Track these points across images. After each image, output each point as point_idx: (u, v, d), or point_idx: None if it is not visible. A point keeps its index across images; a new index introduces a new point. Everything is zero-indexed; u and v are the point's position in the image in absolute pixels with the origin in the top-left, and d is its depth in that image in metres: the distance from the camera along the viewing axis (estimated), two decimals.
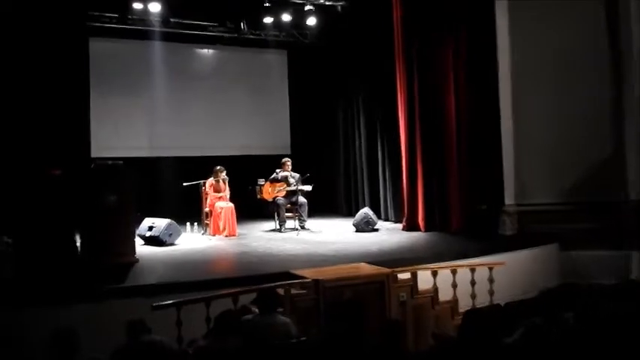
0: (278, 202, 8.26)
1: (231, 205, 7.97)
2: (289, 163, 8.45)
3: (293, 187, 8.23)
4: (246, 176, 9.34)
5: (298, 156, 9.94)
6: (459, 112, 7.54)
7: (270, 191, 8.38)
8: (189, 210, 8.72)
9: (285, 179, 8.34)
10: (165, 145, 10.16)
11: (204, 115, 10.40)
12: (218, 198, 8.03)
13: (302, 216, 8.23)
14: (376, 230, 8.05)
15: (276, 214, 8.33)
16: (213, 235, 7.82)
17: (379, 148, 9.20)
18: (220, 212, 7.84)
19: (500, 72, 7.06)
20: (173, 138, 10.18)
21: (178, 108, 10.18)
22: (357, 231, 8.01)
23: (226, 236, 7.73)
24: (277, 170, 8.42)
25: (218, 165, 8.20)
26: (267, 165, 8.89)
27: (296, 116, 11.12)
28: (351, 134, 10.18)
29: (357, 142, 9.97)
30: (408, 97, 7.91)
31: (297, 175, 8.37)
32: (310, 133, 11.05)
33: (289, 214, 8.41)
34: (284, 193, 8.34)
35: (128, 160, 7.40)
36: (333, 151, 10.78)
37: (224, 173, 8.13)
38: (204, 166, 8.54)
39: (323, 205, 10.31)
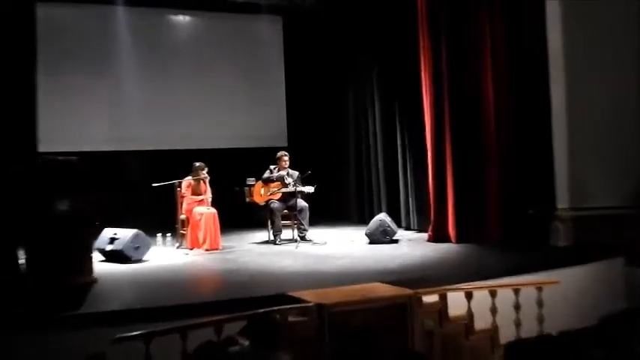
0: (272, 206, 8.27)
1: (214, 210, 7.96)
2: (286, 159, 8.45)
3: (291, 189, 8.24)
4: (233, 175, 9.42)
5: (297, 149, 9.99)
6: (498, 96, 7.57)
7: (262, 193, 8.40)
8: (160, 217, 8.78)
9: (281, 179, 8.37)
10: (131, 137, 10.15)
11: (180, 99, 10.42)
12: (197, 202, 8.04)
13: (302, 224, 8.23)
14: (395, 241, 8.09)
15: (269, 221, 8.35)
16: (191, 248, 7.84)
17: (398, 138, 9.21)
18: (200, 220, 7.84)
19: (551, 52, 7.07)
20: (141, 127, 10.15)
21: (148, 90, 10.16)
22: (371, 242, 8.04)
23: (207, 250, 7.74)
24: (271, 167, 8.44)
25: (197, 161, 8.18)
26: (258, 160, 8.91)
27: (294, 99, 11.17)
28: (363, 122, 10.21)
29: (370, 132, 10.01)
30: (434, 76, 7.90)
31: (295, 174, 8.39)
32: (312, 120, 11.10)
33: (286, 222, 8.44)
34: (279, 195, 8.34)
35: (85, 155, 7.41)
36: (341, 143, 10.83)
37: (205, 171, 8.13)
38: (179, 163, 8.59)
39: (328, 211, 10.43)
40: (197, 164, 8.18)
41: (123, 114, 10.07)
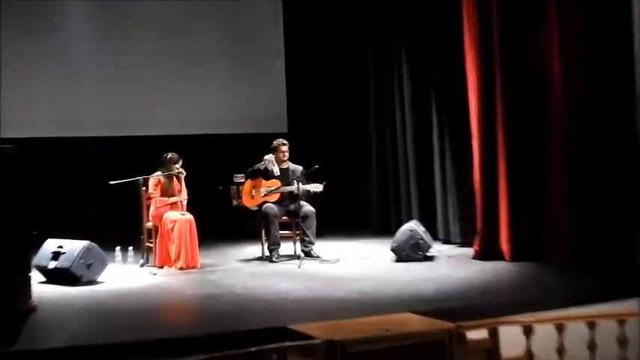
0: (267, 211, 8.30)
1: (190, 217, 8.03)
2: (285, 149, 8.52)
3: (291, 188, 8.31)
4: (216, 170, 9.43)
5: (300, 137, 10.18)
6: (566, 76, 7.59)
7: (253, 194, 8.43)
8: (120, 225, 8.86)
9: (279, 175, 8.44)
10: (86, 120, 10.51)
11: (150, 74, 10.69)
12: (169, 205, 8.12)
13: (307, 235, 8.29)
14: (430, 258, 8.13)
15: (263, 231, 8.41)
16: (160, 266, 7.94)
17: (435, 127, 9.32)
18: (172, 229, 7.90)
19: (638, 19, 7.06)
20: (99, 109, 10.49)
21: (108, 62, 10.54)
22: (398, 259, 8.08)
23: (181, 269, 7.81)
24: (266, 158, 8.49)
25: (169, 151, 8.24)
26: (249, 152, 8.95)
27: (296, 75, 11.30)
28: (387, 107, 10.35)
29: (398, 119, 10.12)
30: (482, 51, 7.98)
31: (298, 169, 8.49)
32: (319, 101, 11.34)
33: (286, 233, 8.55)
34: (277, 196, 8.41)
35: (25, 143, 7.42)
36: (359, 132, 10.99)
37: (179, 165, 8.20)
38: (146, 154, 8.68)
39: (342, 218, 10.78)
40: (169, 156, 8.20)
41: (77, 91, 10.39)
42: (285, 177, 8.47)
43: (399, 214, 10.02)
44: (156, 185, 8.14)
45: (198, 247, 8.00)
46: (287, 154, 8.51)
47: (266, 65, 11.29)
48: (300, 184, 8.22)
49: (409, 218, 9.19)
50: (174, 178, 8.21)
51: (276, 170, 8.49)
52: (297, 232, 8.38)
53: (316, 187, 8.21)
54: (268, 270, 7.85)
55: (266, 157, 8.51)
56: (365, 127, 10.94)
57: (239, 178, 8.53)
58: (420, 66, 9.64)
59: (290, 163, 8.55)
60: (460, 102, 8.37)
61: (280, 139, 8.64)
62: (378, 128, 10.67)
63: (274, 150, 8.53)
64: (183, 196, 8.21)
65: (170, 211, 8.07)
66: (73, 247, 7.25)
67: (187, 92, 10.91)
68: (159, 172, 8.19)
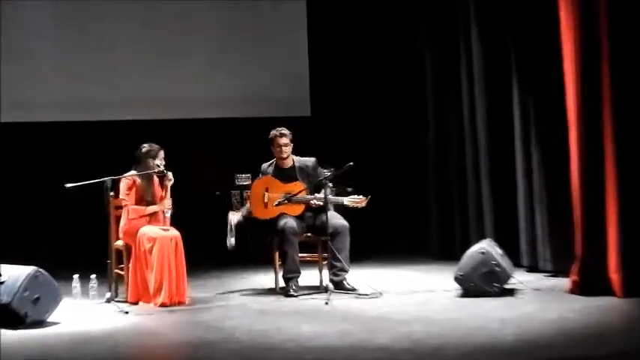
0: (284, 226, 8.38)
1: (176, 234, 8.12)
2: (285, 140, 8.61)
3: (313, 199, 8.43)
4: (216, 167, 9.46)
5: (327, 123, 10.93)
6: None
7: (266, 200, 8.51)
8: (79, 245, 9.06)
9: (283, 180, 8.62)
10: (40, 101, 11.06)
11: (137, 44, 11.44)
12: (147, 217, 8.20)
13: (338, 259, 8.36)
14: (509, 293, 8.12)
15: (277, 254, 8.53)
16: (134, 302, 8.03)
17: (516, 118, 9.41)
18: (151, 250, 7.95)
19: None
20: (57, 86, 11.08)
21: (88, 30, 11.27)
22: (465, 293, 8.12)
23: (164, 305, 7.86)
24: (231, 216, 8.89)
25: (147, 143, 8.30)
26: (260, 143, 9.00)
27: (323, 44, 11.75)
28: (450, 89, 10.53)
29: (465, 107, 10.29)
30: (582, 15, 7.95)
31: (308, 162, 8.70)
32: (353, 78, 11.68)
33: (308, 256, 8.69)
34: (300, 209, 8.53)
35: None
36: (410, 120, 11.27)
37: (161, 160, 8.26)
38: (118, 146, 9.15)
39: (386, 235, 10.92)
40: (145, 148, 8.24)
41: (29, 65, 10.93)
42: (291, 180, 8.55)
43: (466, 232, 10.09)
44: (129, 189, 8.16)
45: (187, 276, 8.03)
46: (289, 148, 8.61)
47: (284, 34, 11.82)
48: (327, 190, 8.24)
49: (480, 237, 9.18)
50: (155, 179, 8.25)
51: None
52: (325, 255, 8.43)
53: (356, 201, 8.30)
54: (284, 307, 7.85)
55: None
56: (417, 114, 11.06)
57: (243, 179, 8.49)
58: (495, 48, 9.74)
59: (295, 158, 8.67)
60: (551, 88, 8.43)
61: (278, 129, 8.70)
62: (437, 115, 10.80)
63: (272, 143, 8.66)
64: (167, 205, 8.24)
65: (148, 225, 8.08)
66: (14, 274, 7.18)
67: (178, 64, 11.41)
68: (132, 172, 8.22)
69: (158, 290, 7.86)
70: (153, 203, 8.23)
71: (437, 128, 10.88)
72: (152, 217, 8.18)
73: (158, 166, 8.21)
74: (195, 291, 8.30)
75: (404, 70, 11.52)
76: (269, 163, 8.73)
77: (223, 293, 8.62)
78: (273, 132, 8.67)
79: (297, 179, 8.57)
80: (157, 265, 7.87)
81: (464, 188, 10.36)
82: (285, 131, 8.64)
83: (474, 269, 8.04)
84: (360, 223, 8.65)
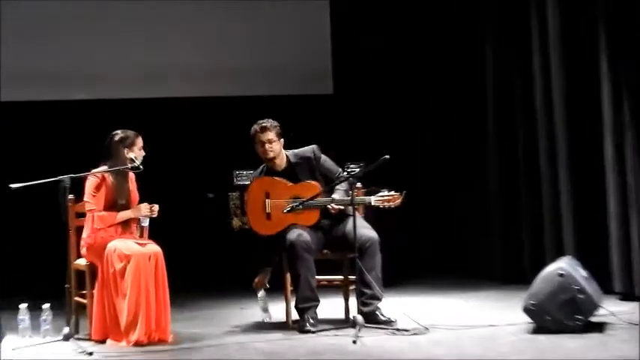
0: (294, 240, 8.42)
1: (156, 249, 8.14)
2: (270, 136, 8.68)
3: (331, 202, 8.52)
4: (211, 161, 9.43)
5: (353, 104, 10.94)
6: None
7: (269, 210, 8.68)
8: (28, 264, 8.78)
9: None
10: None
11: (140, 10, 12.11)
12: (118, 227, 8.27)
13: (367, 284, 8.37)
14: (597, 328, 7.97)
15: (289, 275, 8.59)
16: (100, 340, 8.03)
17: (606, 109, 9.46)
18: (122, 271, 7.96)
19: None
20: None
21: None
22: (538, 328, 8.00)
23: (139, 344, 7.84)
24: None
25: (121, 130, 8.42)
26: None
27: (347, 8, 12.28)
28: (519, 69, 10.70)
29: (537, 90, 10.39)
30: None
31: (305, 153, 8.84)
32: (392, 50, 12.26)
33: (327, 279, 8.76)
34: (314, 217, 8.58)
35: None
36: (461, 105, 11.59)
37: (137, 152, 8.35)
38: (83, 133, 8.73)
39: (433, 254, 10.50)
40: (118, 136, 8.32)
41: None
42: (292, 179, 8.64)
43: (539, 247, 10.09)
44: (97, 189, 8.15)
45: (171, 305, 8.07)
46: (276, 145, 8.66)
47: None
48: (352, 191, 8.33)
49: (558, 255, 9.08)
50: (131, 176, 8.32)
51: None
52: (351, 277, 8.40)
53: (387, 199, 8.31)
54: (298, 347, 7.74)
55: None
56: (472, 96, 11.25)
57: (243, 178, 8.43)
58: (575, 16, 9.93)
59: (288, 153, 8.75)
60: None
61: (259, 122, 8.73)
62: (498, 97, 10.91)
63: (253, 142, 8.70)
64: (143, 211, 8.19)
65: (120, 238, 8.05)
66: None
67: (185, 36, 12.15)
68: (102, 168, 8.22)
69: (132, 324, 7.80)
70: (127, 208, 8.22)
71: (498, 114, 10.97)
72: (124, 228, 8.17)
73: (133, 160, 8.19)
74: (181, 325, 8.29)
75: (453, 40, 11.65)
76: (258, 170, 8.81)
77: (223, 328, 8.64)
78: (254, 127, 8.69)
79: (300, 180, 8.63)
80: (132, 291, 7.81)
81: (535, 191, 10.35)
82: (268, 123, 8.65)
83: (550, 297, 7.84)
84: (395, 234, 8.61)
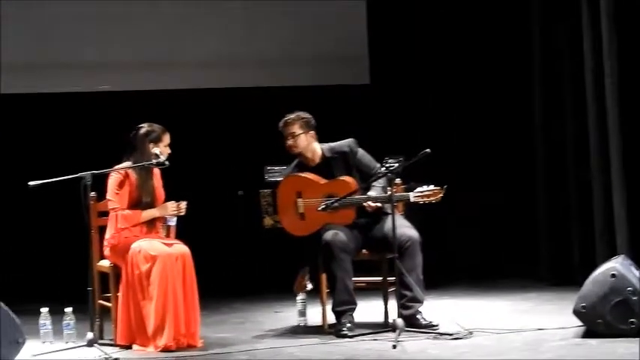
0: (331, 240, 8.29)
1: (184, 250, 8.02)
2: (293, 129, 8.57)
3: (367, 199, 8.32)
4: (242, 157, 9.17)
5: (391, 95, 10.24)
6: None
7: (302, 210, 8.56)
8: (49, 266, 8.58)
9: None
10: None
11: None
12: (143, 227, 8.14)
13: (407, 286, 8.22)
14: None
15: (324, 277, 8.44)
16: (126, 345, 7.91)
17: None
18: (149, 272, 7.82)
19: None
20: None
21: None
22: (589, 333, 7.81)
23: (167, 350, 7.73)
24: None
25: (147, 123, 8.27)
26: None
27: None
28: (569, 53, 10.62)
29: (587, 74, 10.22)
30: None
31: (342, 147, 8.65)
32: (432, 37, 12.07)
33: (365, 280, 8.66)
34: (350, 216, 8.40)
35: None
36: (504, 95, 11.50)
37: (164, 148, 8.20)
38: (105, 127, 8.51)
39: (476, 254, 10.22)
40: (144, 129, 8.18)
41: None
42: (326, 175, 8.45)
43: (590, 246, 9.89)
44: (120, 186, 8.02)
45: (201, 309, 7.96)
46: (301, 139, 8.51)
47: None
48: (382, 186, 8.28)
49: (610, 254, 8.99)
50: (156, 173, 8.19)
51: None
52: (390, 279, 8.22)
53: (426, 194, 8.09)
54: (334, 352, 7.63)
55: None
56: (517, 86, 11.15)
57: (275, 174, 8.22)
58: None
59: (324, 147, 8.56)
60: None
61: (290, 116, 8.61)
62: (545, 86, 10.71)
63: (282, 132, 8.58)
64: (170, 209, 8.05)
65: (145, 238, 7.91)
66: None
67: (207, 25, 12.05)
68: (127, 163, 8.06)
69: (160, 329, 7.70)
70: (151, 206, 8.07)
71: (546, 104, 10.75)
72: (150, 227, 8.05)
73: (158, 155, 8.03)
74: (211, 330, 8.20)
75: (497, 23, 11.47)
76: (292, 165, 8.69)
77: (255, 333, 8.53)
78: (285, 120, 8.63)
79: (334, 176, 8.47)
80: (158, 294, 7.70)
81: (586, 185, 10.12)
82: (293, 116, 8.56)
83: (601, 299, 7.64)
84: (436, 233, 8.43)
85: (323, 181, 8.41)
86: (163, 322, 7.70)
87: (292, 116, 8.52)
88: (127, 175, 8.04)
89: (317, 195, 8.34)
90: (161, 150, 8.08)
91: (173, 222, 8.08)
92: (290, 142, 8.46)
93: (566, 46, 10.47)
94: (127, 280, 7.81)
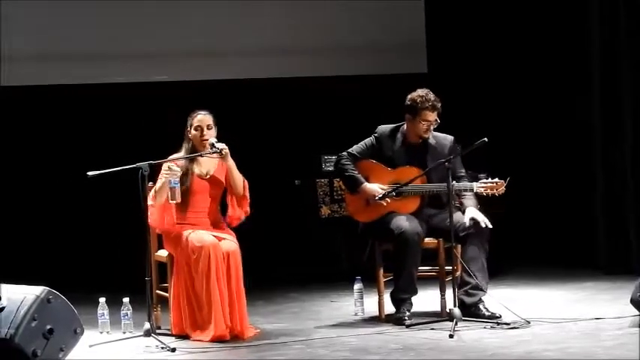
0: (405, 229, 8.33)
1: (233, 243, 8.17)
2: (435, 116, 8.48)
3: (430, 188, 8.45)
4: (297, 146, 9.30)
5: (449, 83, 10.68)
6: None
7: (367, 193, 8.47)
8: (106, 255, 8.70)
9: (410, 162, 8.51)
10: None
11: None
12: (191, 219, 8.22)
13: (470, 274, 8.32)
14: None
15: (380, 268, 8.52)
16: (179, 334, 8.07)
17: None
18: (197, 262, 7.93)
19: None
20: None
21: None
22: None
23: (216, 340, 7.85)
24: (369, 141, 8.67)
25: (197, 110, 8.35)
26: (361, 114, 9.31)
27: None
28: (628, 39, 10.48)
29: None
30: None
31: (445, 142, 8.63)
32: (488, 24, 12.08)
33: (423, 270, 8.60)
34: (415, 204, 8.47)
35: None
36: (566, 85, 11.47)
37: (212, 136, 8.22)
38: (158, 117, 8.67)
39: (534, 243, 10.80)
40: (198, 116, 8.27)
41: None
42: (417, 162, 8.45)
43: None
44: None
45: (256, 299, 8.32)
46: (435, 125, 8.45)
47: None
48: (461, 179, 8.37)
49: None
50: (204, 158, 8.28)
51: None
52: (447, 268, 8.32)
53: (489, 186, 8.18)
54: (391, 342, 7.67)
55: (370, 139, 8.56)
56: (575, 73, 11.11)
57: (330, 163, 8.26)
58: None
59: (434, 135, 8.53)
60: None
61: (426, 95, 8.44)
62: (605, 72, 10.63)
63: (408, 111, 8.46)
64: (162, 174, 8.03)
65: (197, 230, 8.06)
66: (17, 297, 7.05)
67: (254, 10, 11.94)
68: (179, 153, 8.22)
69: (207, 319, 7.88)
70: (186, 195, 8.13)
71: (605, 91, 10.69)
72: (198, 220, 8.16)
73: (213, 144, 8.08)
74: (266, 320, 8.29)
75: (555, 8, 11.48)
76: (393, 126, 8.58)
77: (311, 323, 8.57)
78: (418, 97, 8.40)
79: (423, 162, 8.42)
80: (206, 285, 7.87)
81: None
82: (438, 102, 8.41)
83: None
84: (494, 223, 8.41)
85: (389, 168, 8.45)
86: (210, 313, 7.84)
87: (438, 102, 8.43)
88: (177, 167, 8.08)
89: (384, 181, 8.39)
90: (209, 139, 8.13)
91: (173, 184, 8.00)
92: (426, 127, 8.41)
93: (626, 36, 10.41)
94: (177, 270, 8.01)
